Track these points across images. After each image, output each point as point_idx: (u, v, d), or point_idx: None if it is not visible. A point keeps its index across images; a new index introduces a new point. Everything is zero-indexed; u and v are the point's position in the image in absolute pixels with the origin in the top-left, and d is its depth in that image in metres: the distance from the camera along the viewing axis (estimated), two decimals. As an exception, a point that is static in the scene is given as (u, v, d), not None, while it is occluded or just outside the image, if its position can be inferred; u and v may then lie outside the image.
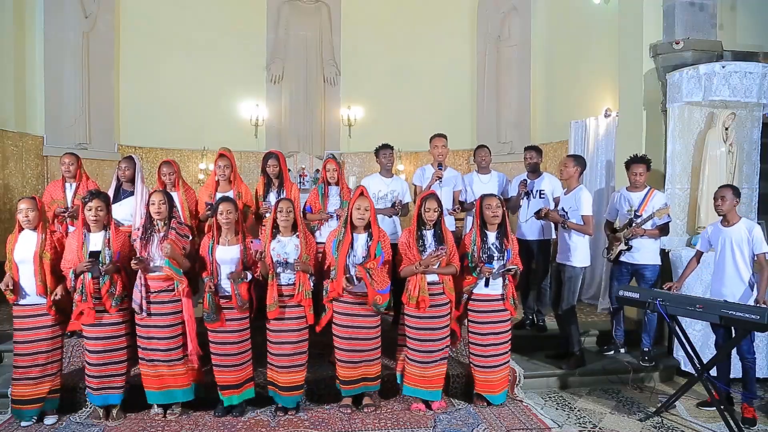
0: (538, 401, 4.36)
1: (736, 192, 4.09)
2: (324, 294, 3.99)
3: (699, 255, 4.32)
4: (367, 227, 3.97)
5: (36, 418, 3.85)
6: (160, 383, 3.86)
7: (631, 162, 4.78)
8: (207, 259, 3.88)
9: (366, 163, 9.26)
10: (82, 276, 3.67)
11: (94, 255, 3.66)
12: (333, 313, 4.01)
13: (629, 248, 4.68)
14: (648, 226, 4.61)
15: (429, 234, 4.03)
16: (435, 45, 9.17)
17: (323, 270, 4.06)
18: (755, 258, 3.99)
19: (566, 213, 4.66)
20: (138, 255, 3.76)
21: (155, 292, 3.81)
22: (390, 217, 4.92)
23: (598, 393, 4.55)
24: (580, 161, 4.80)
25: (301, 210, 4.55)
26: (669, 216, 4.67)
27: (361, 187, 4.06)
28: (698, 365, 3.98)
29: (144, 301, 3.76)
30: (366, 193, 4.02)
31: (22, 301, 3.78)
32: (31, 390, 3.79)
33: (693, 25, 5.31)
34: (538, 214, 4.79)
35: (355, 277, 3.87)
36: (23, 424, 3.81)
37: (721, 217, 4.15)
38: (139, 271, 3.76)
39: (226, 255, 3.88)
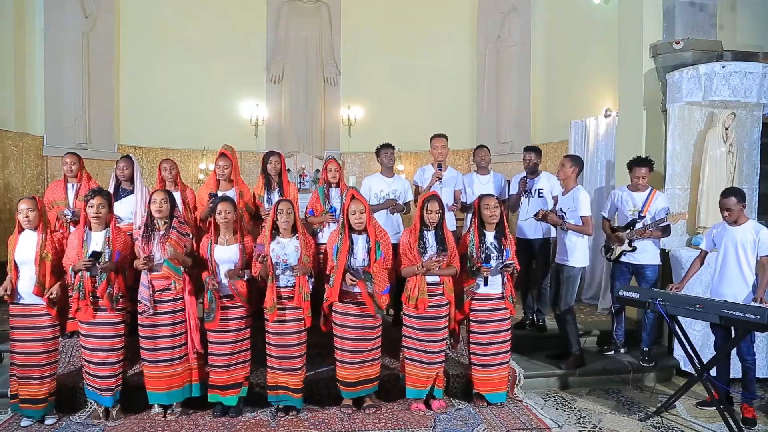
0: (538, 401, 4.36)
1: (741, 197, 3.99)
2: (324, 299, 3.99)
3: (703, 255, 4.27)
4: (365, 228, 3.97)
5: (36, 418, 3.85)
6: (163, 384, 3.86)
7: (634, 164, 4.72)
8: (206, 258, 3.88)
9: (366, 163, 9.26)
10: (80, 273, 3.68)
11: (96, 255, 3.66)
12: (333, 314, 4.01)
13: (633, 249, 4.67)
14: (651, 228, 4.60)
15: (430, 235, 4.03)
16: (435, 45, 9.17)
17: (324, 272, 4.06)
18: (758, 260, 3.96)
19: (564, 213, 4.65)
20: (142, 254, 3.75)
21: (159, 291, 3.82)
22: (390, 212, 4.90)
23: (598, 393, 4.55)
24: (577, 161, 4.79)
25: (304, 213, 4.53)
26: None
27: (352, 191, 4.03)
28: (698, 365, 3.98)
29: (152, 300, 3.76)
30: (357, 195, 4.00)
31: (20, 301, 3.77)
32: (36, 390, 3.79)
33: (693, 25, 5.31)
34: (536, 216, 4.79)
35: (361, 271, 3.86)
36: (23, 423, 3.81)
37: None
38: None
39: (224, 254, 3.88)
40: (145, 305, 3.78)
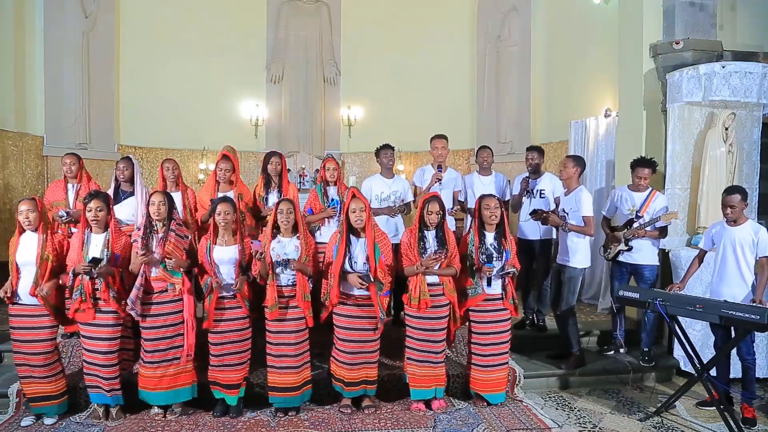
0: (538, 401, 4.36)
1: (744, 196, 4.00)
2: (325, 298, 3.98)
3: (702, 255, 4.27)
4: (365, 229, 3.96)
5: (36, 416, 3.86)
6: (160, 384, 3.86)
7: (637, 164, 4.72)
8: (205, 259, 3.88)
9: (366, 163, 9.27)
10: (80, 276, 3.67)
11: (95, 261, 3.64)
12: (334, 316, 4.01)
13: (629, 248, 4.67)
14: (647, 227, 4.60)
15: (430, 235, 4.03)
16: (435, 45, 9.18)
17: (323, 271, 4.05)
18: (757, 260, 3.95)
19: (567, 214, 4.65)
20: (141, 248, 3.72)
21: (157, 292, 3.81)
22: (391, 216, 4.90)
23: (598, 393, 4.55)
24: (579, 162, 4.79)
25: (302, 212, 4.53)
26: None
27: (353, 189, 4.03)
28: (698, 365, 3.98)
29: (138, 303, 3.73)
30: (358, 194, 4.00)
31: (20, 301, 3.76)
32: (49, 387, 3.81)
33: (693, 25, 5.31)
34: (534, 215, 4.78)
35: (371, 276, 3.85)
36: (23, 424, 3.81)
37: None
38: (142, 269, 3.76)
39: (224, 255, 3.88)
40: (131, 306, 3.72)
